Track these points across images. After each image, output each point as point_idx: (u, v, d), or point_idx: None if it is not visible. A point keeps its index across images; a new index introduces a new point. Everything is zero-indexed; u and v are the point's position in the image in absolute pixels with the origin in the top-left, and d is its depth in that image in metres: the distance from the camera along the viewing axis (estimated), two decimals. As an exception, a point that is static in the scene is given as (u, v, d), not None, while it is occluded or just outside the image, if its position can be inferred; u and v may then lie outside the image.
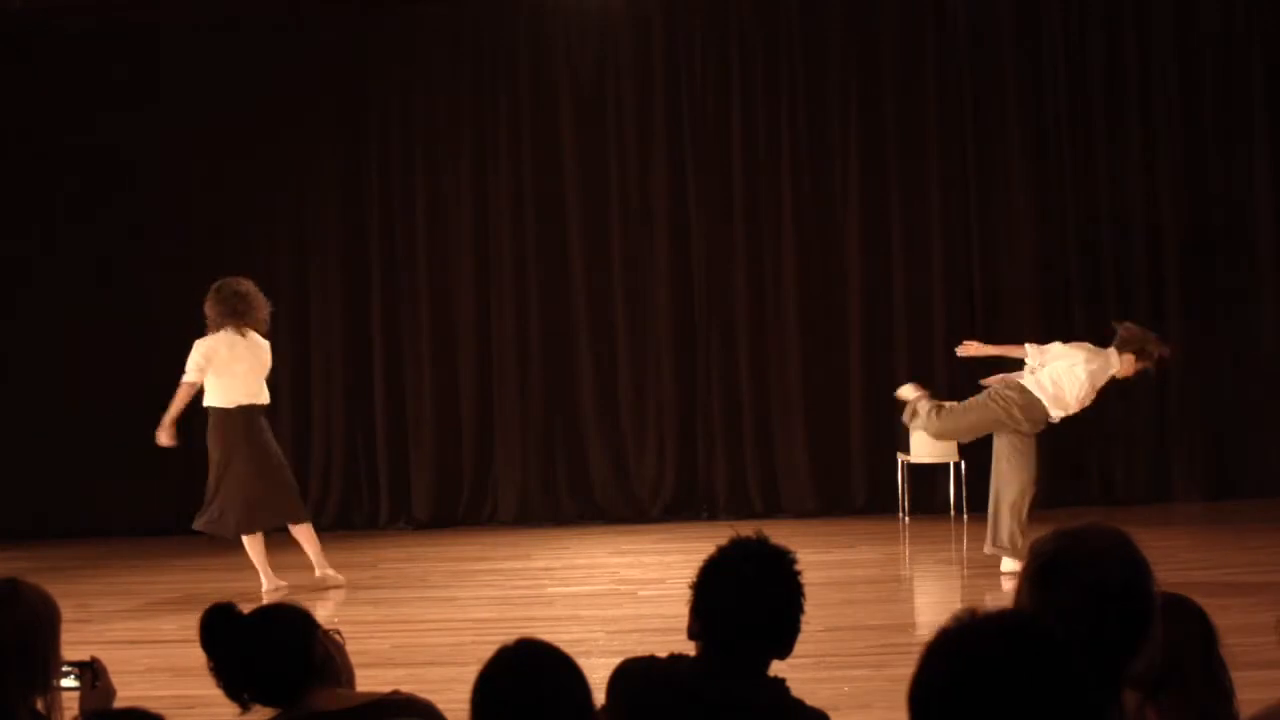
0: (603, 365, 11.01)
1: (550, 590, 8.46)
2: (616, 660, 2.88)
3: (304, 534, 8.56)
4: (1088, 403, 8.42)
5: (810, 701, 2.76)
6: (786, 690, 2.73)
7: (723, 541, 2.79)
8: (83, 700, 2.92)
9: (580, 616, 7.63)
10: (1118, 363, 8.29)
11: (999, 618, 1.63)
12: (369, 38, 11.03)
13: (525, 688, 2.40)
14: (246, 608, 2.91)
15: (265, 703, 2.81)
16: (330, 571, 8.56)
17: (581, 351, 11.04)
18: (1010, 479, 8.39)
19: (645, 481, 10.97)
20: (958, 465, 10.44)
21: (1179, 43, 10.87)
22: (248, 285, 8.55)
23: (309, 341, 11.07)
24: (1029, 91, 10.91)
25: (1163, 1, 10.89)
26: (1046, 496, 10.75)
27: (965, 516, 10.35)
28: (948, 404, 8.82)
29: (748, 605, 2.68)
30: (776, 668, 2.75)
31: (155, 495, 10.41)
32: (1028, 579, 2.28)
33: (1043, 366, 8.34)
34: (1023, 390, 8.33)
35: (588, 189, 11.00)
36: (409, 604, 8.09)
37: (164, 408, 8.52)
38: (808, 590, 2.75)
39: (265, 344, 8.57)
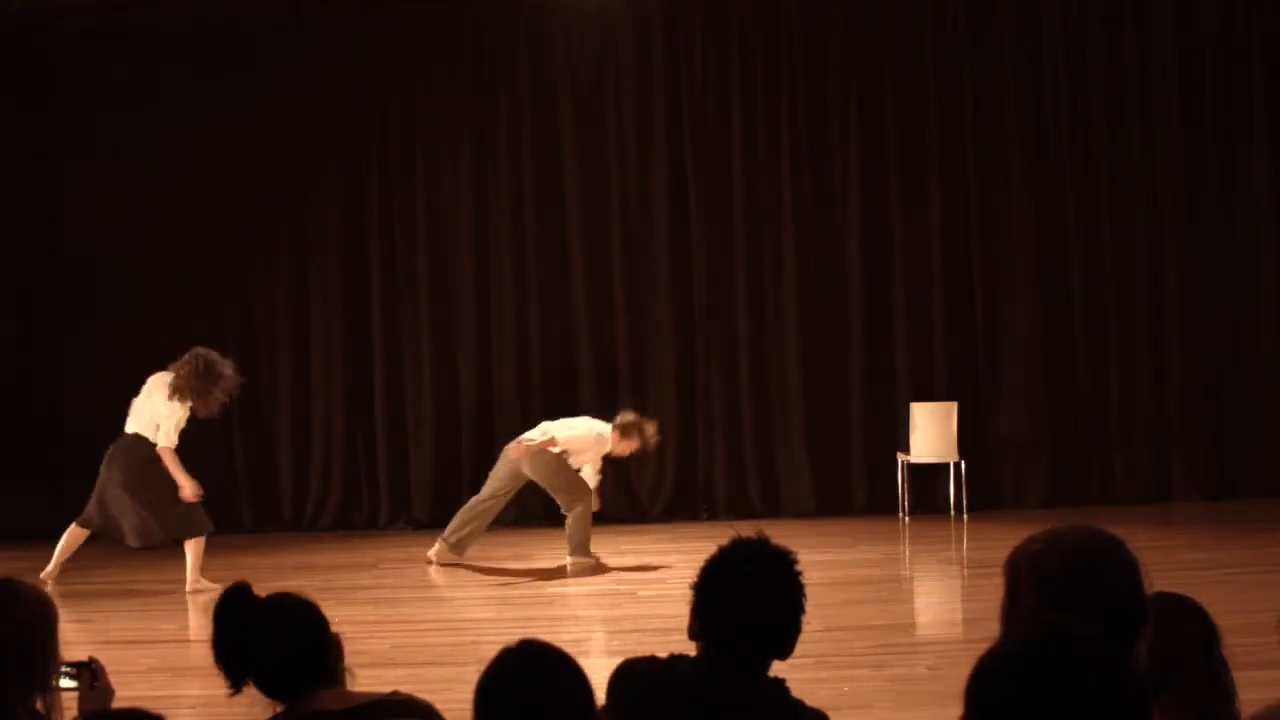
0: (603, 365, 11.01)
1: (550, 590, 8.46)
2: (616, 660, 2.88)
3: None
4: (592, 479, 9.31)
5: (810, 701, 2.76)
6: (786, 690, 2.73)
7: (723, 541, 2.79)
8: (82, 701, 2.91)
9: (580, 616, 7.63)
10: (610, 442, 9.11)
11: (1069, 636, 1.65)
12: (369, 38, 11.03)
13: (527, 688, 2.39)
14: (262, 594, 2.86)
15: (267, 691, 2.77)
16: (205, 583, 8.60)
17: (581, 351, 11.04)
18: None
19: (645, 481, 10.97)
20: (958, 465, 10.44)
21: (1179, 43, 10.87)
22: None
23: (309, 341, 11.07)
24: (1029, 91, 10.91)
25: (1163, 1, 10.90)
26: (1048, 496, 10.81)
27: (965, 516, 10.36)
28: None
29: (748, 606, 2.68)
30: (776, 668, 2.75)
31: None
32: (1035, 591, 2.26)
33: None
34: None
35: (588, 189, 11.00)
36: (409, 604, 8.08)
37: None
38: (808, 590, 2.74)
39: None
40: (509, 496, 9.32)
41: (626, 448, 9.24)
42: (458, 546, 9.14)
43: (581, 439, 9.07)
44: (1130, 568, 2.28)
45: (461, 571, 9.10)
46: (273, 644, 2.76)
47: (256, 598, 2.82)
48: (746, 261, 10.95)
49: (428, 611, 7.89)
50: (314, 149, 11.02)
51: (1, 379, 10.94)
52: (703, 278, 11.00)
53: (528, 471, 9.03)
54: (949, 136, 10.92)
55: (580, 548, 8.96)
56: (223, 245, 11.00)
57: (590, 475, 9.30)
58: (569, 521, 9.00)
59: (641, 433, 9.20)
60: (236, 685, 2.76)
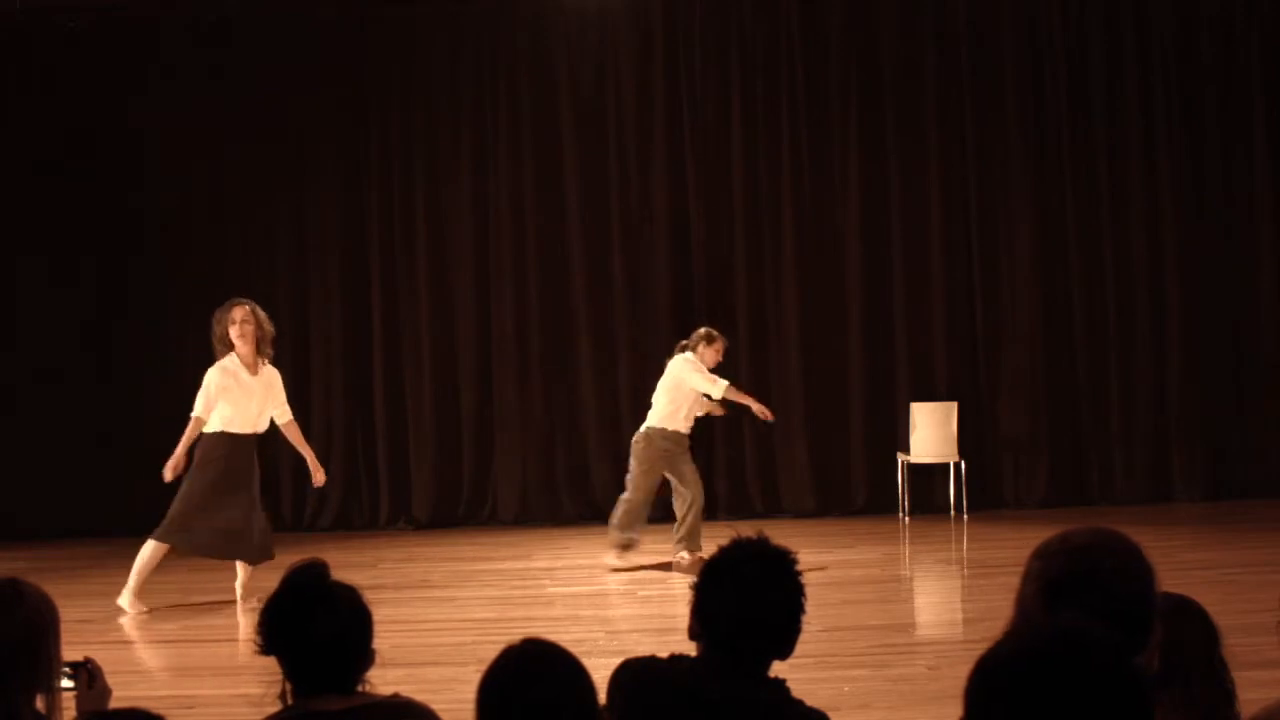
0: (603, 365, 11.00)
1: (550, 590, 8.46)
2: (616, 660, 2.87)
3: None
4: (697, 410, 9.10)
5: (810, 701, 2.75)
6: (787, 690, 2.72)
7: (723, 541, 2.79)
8: (80, 701, 2.91)
9: (580, 616, 7.63)
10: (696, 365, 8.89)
11: (1070, 636, 1.65)
12: (369, 38, 11.03)
13: (531, 687, 2.39)
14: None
15: (292, 673, 2.72)
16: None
17: (581, 351, 11.04)
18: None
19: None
20: (958, 465, 10.44)
21: (1179, 42, 10.88)
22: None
23: (309, 341, 11.06)
24: (1029, 91, 10.92)
25: (1162, 2, 10.90)
26: (1047, 496, 10.80)
27: (965, 516, 10.36)
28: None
29: (748, 605, 2.68)
30: (776, 668, 2.74)
31: (155, 496, 10.39)
32: (1039, 593, 2.26)
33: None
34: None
35: (588, 190, 11.00)
36: (409, 604, 8.08)
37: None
38: (808, 590, 2.74)
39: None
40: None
41: (713, 355, 9.04)
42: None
43: (671, 395, 8.92)
44: (1135, 573, 2.26)
45: (461, 572, 9.10)
46: (326, 628, 2.71)
47: (331, 580, 2.78)
48: (746, 262, 10.95)
49: (428, 611, 7.88)
50: (314, 149, 11.02)
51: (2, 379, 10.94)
52: (703, 278, 11.00)
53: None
54: (949, 136, 10.92)
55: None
56: (223, 245, 10.99)
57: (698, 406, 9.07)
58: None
59: (715, 336, 9.04)
60: (267, 651, 2.72)
